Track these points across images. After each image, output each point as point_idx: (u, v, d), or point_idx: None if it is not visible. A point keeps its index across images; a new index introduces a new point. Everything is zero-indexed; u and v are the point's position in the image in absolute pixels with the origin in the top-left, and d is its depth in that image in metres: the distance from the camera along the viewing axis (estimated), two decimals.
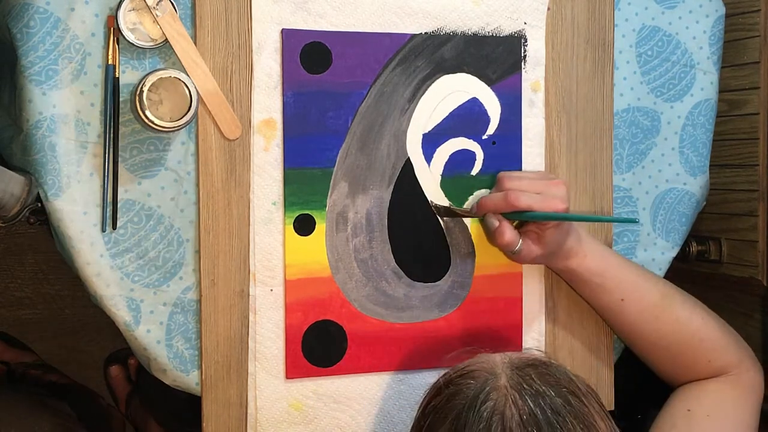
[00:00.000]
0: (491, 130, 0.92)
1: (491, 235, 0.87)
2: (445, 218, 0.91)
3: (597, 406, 0.69)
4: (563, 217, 0.85)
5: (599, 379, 0.97)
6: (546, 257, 0.88)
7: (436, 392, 0.73)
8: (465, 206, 0.91)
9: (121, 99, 0.81)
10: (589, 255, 0.89)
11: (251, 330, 0.86)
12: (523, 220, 0.87)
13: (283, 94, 0.86)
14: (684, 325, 0.90)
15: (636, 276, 0.91)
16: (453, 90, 0.90)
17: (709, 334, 0.90)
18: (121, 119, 0.82)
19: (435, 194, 0.90)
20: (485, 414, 0.66)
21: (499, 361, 0.72)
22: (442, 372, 0.75)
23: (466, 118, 0.91)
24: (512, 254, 0.88)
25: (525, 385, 0.68)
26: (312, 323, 0.87)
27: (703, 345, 0.90)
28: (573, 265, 0.89)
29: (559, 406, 0.66)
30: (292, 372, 0.87)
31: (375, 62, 0.88)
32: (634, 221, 0.93)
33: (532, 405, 0.66)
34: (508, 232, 0.86)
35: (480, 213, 0.88)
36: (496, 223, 0.86)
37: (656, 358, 0.93)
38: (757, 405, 0.89)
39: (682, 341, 0.90)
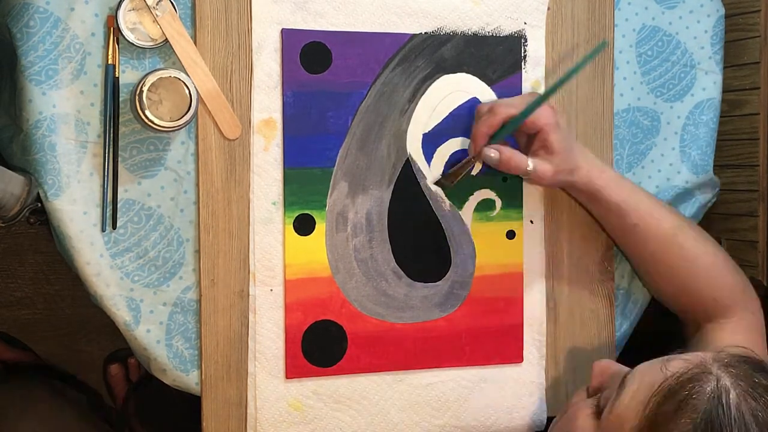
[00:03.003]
0: None
1: (500, 166, 0.85)
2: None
3: None
4: (545, 94, 0.84)
5: None
6: (565, 171, 0.86)
7: (662, 401, 0.68)
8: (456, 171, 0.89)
9: (121, 99, 0.81)
10: (606, 169, 0.89)
11: (251, 330, 0.86)
12: (511, 132, 0.85)
13: (283, 94, 0.86)
14: (692, 260, 0.91)
15: (651, 201, 0.92)
16: (453, 90, 0.90)
17: (717, 271, 0.91)
18: (121, 119, 0.82)
19: (435, 194, 0.90)
20: (733, 411, 0.63)
21: (705, 360, 0.68)
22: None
23: (466, 118, 0.91)
24: (528, 175, 0.86)
25: (751, 381, 0.65)
26: (312, 323, 0.87)
27: (710, 282, 0.91)
28: (595, 178, 0.88)
29: None
30: (292, 372, 0.87)
31: (375, 62, 0.88)
32: (603, 45, 0.87)
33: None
34: (514, 155, 0.84)
35: (477, 147, 0.86)
36: (496, 153, 0.84)
37: (665, 289, 0.94)
38: (763, 344, 0.89)
39: (690, 274, 0.91)
